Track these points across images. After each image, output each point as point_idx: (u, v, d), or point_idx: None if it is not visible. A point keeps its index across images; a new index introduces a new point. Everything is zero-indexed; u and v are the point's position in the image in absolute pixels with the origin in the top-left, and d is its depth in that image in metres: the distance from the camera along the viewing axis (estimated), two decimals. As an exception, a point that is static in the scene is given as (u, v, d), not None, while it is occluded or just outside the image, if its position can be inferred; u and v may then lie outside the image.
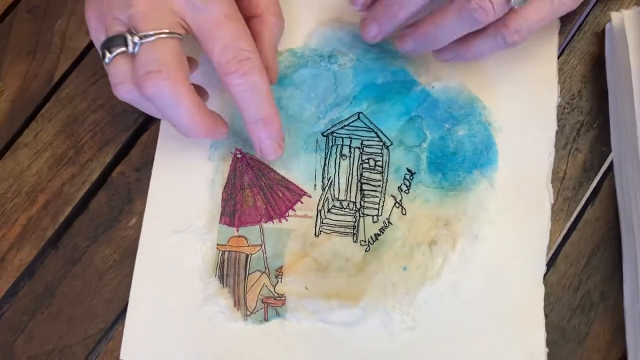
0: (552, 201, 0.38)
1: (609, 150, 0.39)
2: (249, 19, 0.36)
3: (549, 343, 0.37)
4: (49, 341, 0.38)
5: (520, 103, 0.39)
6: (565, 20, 0.40)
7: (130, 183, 0.40)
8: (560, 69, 0.40)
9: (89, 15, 0.35)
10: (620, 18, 0.37)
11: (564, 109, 0.40)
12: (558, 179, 0.39)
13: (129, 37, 0.32)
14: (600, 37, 0.41)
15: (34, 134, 0.41)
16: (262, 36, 0.36)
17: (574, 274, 0.38)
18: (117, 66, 0.33)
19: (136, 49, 0.32)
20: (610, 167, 0.39)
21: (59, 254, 0.39)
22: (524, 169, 0.38)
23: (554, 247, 0.38)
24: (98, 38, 0.34)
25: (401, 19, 0.36)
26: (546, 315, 0.37)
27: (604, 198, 0.39)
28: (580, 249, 0.38)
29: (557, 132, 0.39)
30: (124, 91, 0.33)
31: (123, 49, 0.32)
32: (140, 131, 0.41)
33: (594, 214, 0.39)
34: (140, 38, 0.32)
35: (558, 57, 0.40)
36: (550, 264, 0.38)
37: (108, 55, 0.33)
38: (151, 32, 0.32)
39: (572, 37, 0.41)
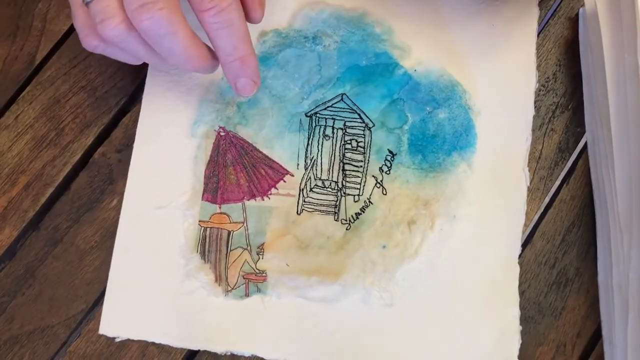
0: (528, 184, 0.39)
1: (583, 131, 0.40)
2: None
3: (526, 319, 0.38)
4: (30, 322, 0.38)
5: (499, 88, 0.40)
6: (541, 5, 0.41)
7: (112, 164, 0.40)
8: (536, 53, 0.40)
9: None
10: (593, 3, 0.38)
11: (540, 91, 0.41)
12: (534, 158, 0.40)
13: None
14: (574, 22, 0.41)
15: (15, 116, 0.41)
16: None
17: (550, 251, 0.39)
18: (103, 2, 0.31)
19: None
20: (585, 147, 0.40)
21: (39, 235, 0.39)
22: (502, 152, 0.39)
23: (531, 225, 0.39)
24: None
25: None
26: (523, 292, 0.38)
27: (578, 177, 0.40)
28: (556, 227, 0.39)
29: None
30: (110, 27, 0.31)
31: None
32: (121, 113, 0.41)
33: (569, 192, 0.40)
34: None
35: (534, 42, 0.41)
36: (527, 241, 0.39)
37: None
38: None
39: (547, 22, 0.42)
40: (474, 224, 0.38)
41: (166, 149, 0.39)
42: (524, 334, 0.37)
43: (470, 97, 0.40)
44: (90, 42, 0.33)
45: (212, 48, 0.34)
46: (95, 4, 0.32)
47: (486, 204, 0.38)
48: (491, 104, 0.40)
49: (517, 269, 0.37)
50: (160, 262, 0.38)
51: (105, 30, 0.32)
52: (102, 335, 0.37)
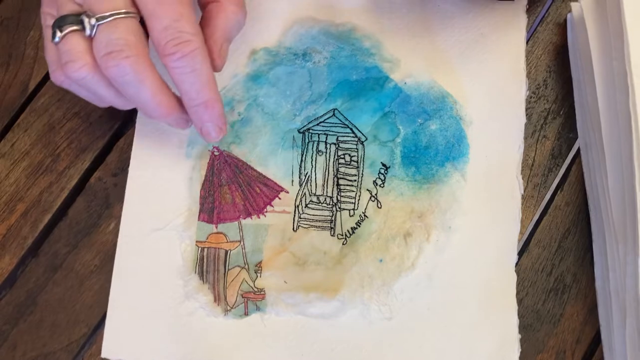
0: (522, 191, 0.39)
1: (576, 137, 0.40)
2: (208, 3, 0.35)
3: (525, 326, 0.38)
4: (32, 349, 0.38)
5: (489, 97, 0.40)
6: (529, 12, 0.41)
7: (108, 188, 0.40)
8: (525, 60, 0.40)
9: (43, 5, 0.34)
10: (580, 8, 0.38)
11: (531, 98, 0.41)
12: (527, 166, 0.40)
13: (86, 20, 0.32)
14: (562, 28, 0.42)
15: (11, 144, 0.41)
16: (215, 21, 0.35)
17: (547, 258, 0.39)
18: (69, 44, 0.32)
19: (94, 32, 0.32)
20: (578, 153, 0.40)
21: (39, 261, 0.39)
22: (495, 161, 0.39)
23: (527, 233, 0.39)
24: (47, 24, 0.34)
25: None
26: (521, 300, 0.38)
27: (572, 183, 0.40)
28: (551, 234, 0.39)
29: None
30: (74, 69, 0.32)
31: (76, 27, 0.32)
32: (116, 137, 0.41)
33: (564, 199, 0.40)
34: (97, 20, 0.31)
35: (523, 50, 0.41)
36: (523, 249, 0.39)
37: (59, 33, 0.32)
38: (107, 13, 0.31)
39: (535, 29, 0.42)
40: (470, 234, 0.38)
41: (161, 171, 0.39)
42: (523, 342, 0.37)
43: (461, 108, 0.40)
44: (58, 78, 0.34)
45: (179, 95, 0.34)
46: (62, 45, 0.32)
47: (481, 213, 0.39)
48: (482, 113, 0.40)
49: (514, 277, 0.38)
50: (159, 284, 0.38)
51: (69, 72, 0.32)
52: (104, 359, 0.38)
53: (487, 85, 0.40)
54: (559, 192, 0.40)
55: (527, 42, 0.41)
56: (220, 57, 0.35)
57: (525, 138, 0.40)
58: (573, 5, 0.40)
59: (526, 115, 0.40)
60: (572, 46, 0.41)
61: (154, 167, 0.39)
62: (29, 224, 0.40)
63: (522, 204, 0.39)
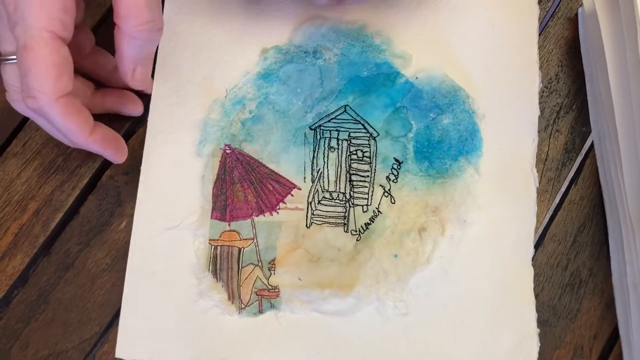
0: (537, 185, 0.39)
1: (589, 130, 0.40)
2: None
3: (541, 322, 0.38)
4: (44, 347, 0.38)
5: (502, 90, 0.40)
6: (539, 6, 0.41)
7: (120, 187, 0.40)
8: (538, 52, 0.40)
9: None
10: (592, 2, 0.38)
11: (543, 92, 0.41)
12: (541, 160, 0.40)
13: None
14: (573, 22, 0.42)
15: (22, 143, 0.41)
16: (119, 49, 0.33)
17: (562, 252, 0.39)
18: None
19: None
20: (591, 147, 0.40)
21: (51, 260, 0.39)
22: (509, 155, 0.39)
23: (541, 228, 0.39)
24: None
25: None
26: (537, 295, 0.38)
27: (586, 177, 0.40)
28: (566, 228, 0.39)
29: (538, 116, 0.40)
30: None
31: None
32: (128, 136, 0.41)
33: (578, 193, 0.39)
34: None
35: (534, 44, 0.41)
36: (538, 244, 0.39)
37: None
38: (5, 57, 0.34)
39: (546, 23, 0.42)
40: (485, 228, 0.38)
41: (173, 170, 0.39)
42: (539, 337, 0.37)
43: (473, 101, 0.40)
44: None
45: None
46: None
47: (496, 207, 0.38)
48: (495, 106, 0.40)
49: (531, 271, 0.37)
50: (173, 283, 0.38)
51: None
52: (118, 359, 0.37)
53: (499, 78, 0.40)
54: (573, 186, 0.40)
55: (538, 37, 0.41)
56: (135, 80, 0.35)
57: (539, 132, 0.39)
58: (585, -1, 0.40)
59: (539, 109, 0.40)
60: (584, 40, 0.41)
61: (166, 166, 0.39)
62: (40, 222, 0.40)
63: (537, 199, 0.38)
